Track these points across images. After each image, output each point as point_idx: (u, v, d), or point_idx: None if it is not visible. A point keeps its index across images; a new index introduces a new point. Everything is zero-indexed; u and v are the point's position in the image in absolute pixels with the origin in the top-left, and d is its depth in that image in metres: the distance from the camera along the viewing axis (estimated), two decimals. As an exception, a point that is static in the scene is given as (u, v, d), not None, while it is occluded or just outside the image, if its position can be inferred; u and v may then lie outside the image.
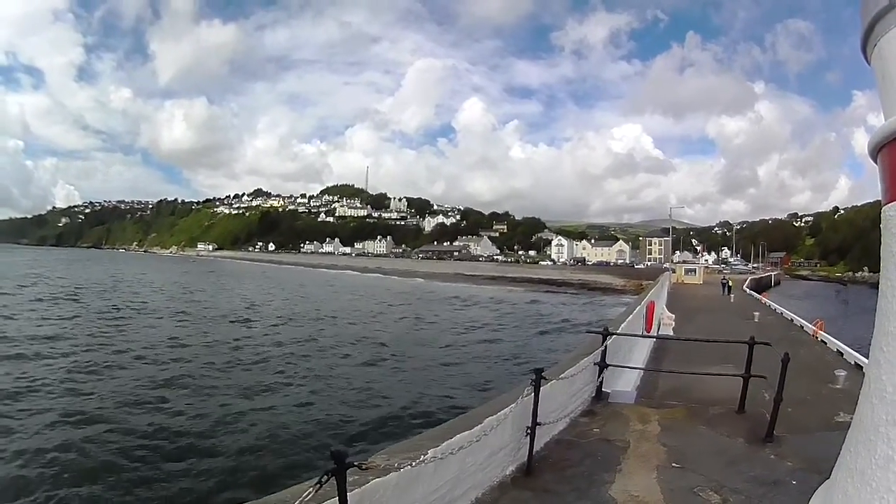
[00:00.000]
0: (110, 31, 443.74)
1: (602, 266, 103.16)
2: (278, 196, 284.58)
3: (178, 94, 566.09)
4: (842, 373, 8.26)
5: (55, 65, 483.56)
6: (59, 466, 8.32)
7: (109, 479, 8.04)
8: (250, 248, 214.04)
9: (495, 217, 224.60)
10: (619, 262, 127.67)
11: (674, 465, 4.68)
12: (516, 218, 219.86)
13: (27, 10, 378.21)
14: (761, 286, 49.75)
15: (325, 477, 2.11)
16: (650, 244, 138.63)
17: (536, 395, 4.45)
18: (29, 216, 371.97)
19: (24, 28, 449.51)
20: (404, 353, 18.93)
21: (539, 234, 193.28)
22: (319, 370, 15.95)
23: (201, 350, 18.43)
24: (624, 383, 7.76)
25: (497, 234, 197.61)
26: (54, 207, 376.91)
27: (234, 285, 56.18)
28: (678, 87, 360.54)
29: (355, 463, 2.30)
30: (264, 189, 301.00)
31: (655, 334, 12.72)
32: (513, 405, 4.16)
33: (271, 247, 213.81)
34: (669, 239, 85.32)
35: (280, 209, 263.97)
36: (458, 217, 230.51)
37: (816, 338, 13.35)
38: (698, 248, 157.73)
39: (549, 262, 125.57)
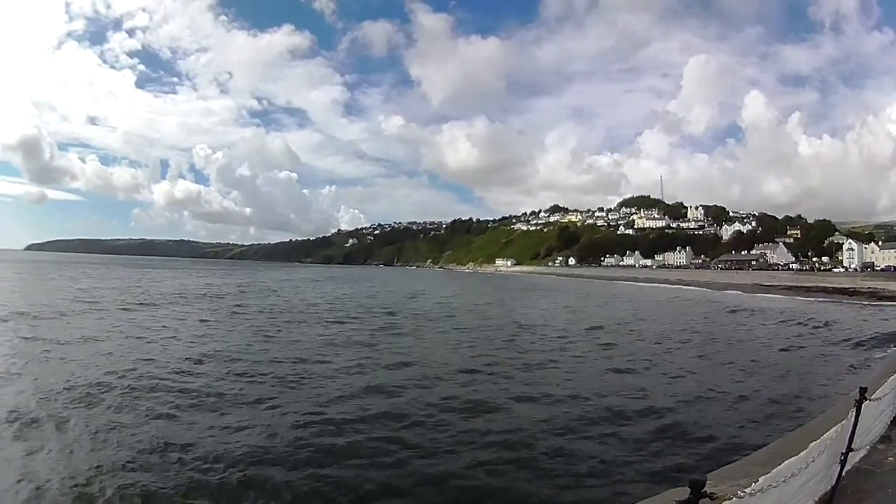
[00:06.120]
0: (366, 65, 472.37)
1: (890, 272, 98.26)
2: (576, 211, 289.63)
3: (453, 116, 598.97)
4: None
5: (316, 103, 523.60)
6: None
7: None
8: (550, 263, 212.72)
9: (788, 221, 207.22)
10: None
11: None
12: (808, 221, 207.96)
13: (265, 59, 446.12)
14: None
15: None
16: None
17: (856, 419, 4.22)
18: (311, 238, 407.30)
19: (266, 75, 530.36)
20: (713, 367, 17.45)
21: (830, 238, 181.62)
22: (626, 381, 14.95)
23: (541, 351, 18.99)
24: None
25: (791, 240, 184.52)
26: (339, 230, 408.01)
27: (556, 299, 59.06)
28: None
29: (709, 493, 2.25)
30: (561, 204, 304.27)
31: None
32: (836, 428, 3.93)
33: (571, 261, 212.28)
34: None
35: (578, 224, 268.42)
36: (753, 223, 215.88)
37: None
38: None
39: (841, 269, 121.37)
